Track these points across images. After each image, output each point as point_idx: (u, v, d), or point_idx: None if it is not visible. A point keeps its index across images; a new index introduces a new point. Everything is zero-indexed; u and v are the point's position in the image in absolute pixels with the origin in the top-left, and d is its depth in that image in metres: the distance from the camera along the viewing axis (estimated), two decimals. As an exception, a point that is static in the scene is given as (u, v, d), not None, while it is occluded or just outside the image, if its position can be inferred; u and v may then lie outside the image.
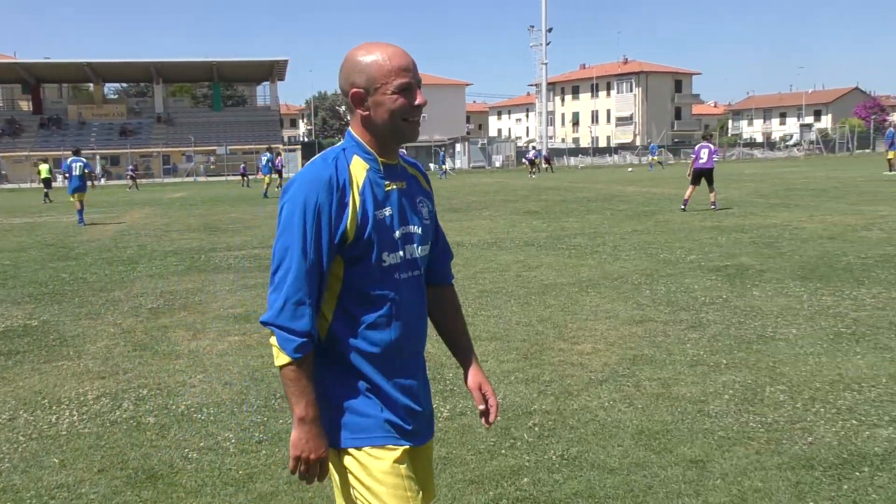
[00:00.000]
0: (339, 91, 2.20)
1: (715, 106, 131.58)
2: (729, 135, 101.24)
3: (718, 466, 3.88)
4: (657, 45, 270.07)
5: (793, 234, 12.71)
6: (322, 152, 2.14)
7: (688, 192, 17.97)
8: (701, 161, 17.74)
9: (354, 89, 2.08)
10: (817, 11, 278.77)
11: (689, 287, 8.50)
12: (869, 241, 11.47)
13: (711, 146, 18.04)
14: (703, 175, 17.78)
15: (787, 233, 12.85)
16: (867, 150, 72.37)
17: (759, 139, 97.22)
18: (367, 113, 2.10)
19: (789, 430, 4.33)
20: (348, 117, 2.20)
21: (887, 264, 9.44)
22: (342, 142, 2.18)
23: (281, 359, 1.99)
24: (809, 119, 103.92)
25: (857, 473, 3.76)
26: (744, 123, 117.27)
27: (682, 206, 17.67)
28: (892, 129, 35.66)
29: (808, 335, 6.28)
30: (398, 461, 2.05)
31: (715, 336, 6.37)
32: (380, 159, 2.11)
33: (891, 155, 31.91)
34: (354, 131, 2.15)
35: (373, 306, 2.08)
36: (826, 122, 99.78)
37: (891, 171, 31.19)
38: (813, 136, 76.18)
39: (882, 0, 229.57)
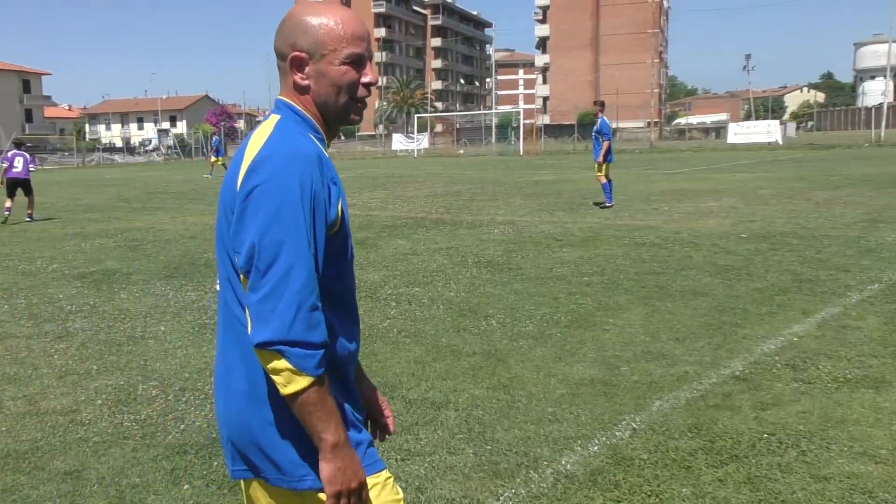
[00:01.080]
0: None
1: (70, 109, 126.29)
2: (87, 139, 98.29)
3: (95, 472, 3.83)
4: (2, 40, 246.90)
5: (157, 235, 13.03)
6: (277, 125, 1.75)
7: (7, 203, 16.26)
8: (15, 170, 16.21)
9: (296, 52, 1.77)
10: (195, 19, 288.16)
11: (53, 297, 8.09)
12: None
13: (27, 155, 16.76)
14: (18, 185, 16.27)
15: (151, 235, 13.12)
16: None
17: (119, 144, 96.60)
18: (307, 82, 1.79)
19: (163, 422, 4.50)
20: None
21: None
22: (277, 111, 1.81)
23: (298, 382, 1.58)
24: (166, 124, 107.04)
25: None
26: (101, 128, 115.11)
27: (3, 220, 15.94)
28: (216, 137, 39.21)
29: (175, 330, 6.56)
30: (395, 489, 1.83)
31: (84, 343, 6.21)
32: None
33: (214, 160, 34.70)
34: (294, 103, 1.81)
35: (343, 311, 1.79)
36: (182, 127, 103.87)
37: (211, 175, 33.23)
38: (171, 141, 78.92)
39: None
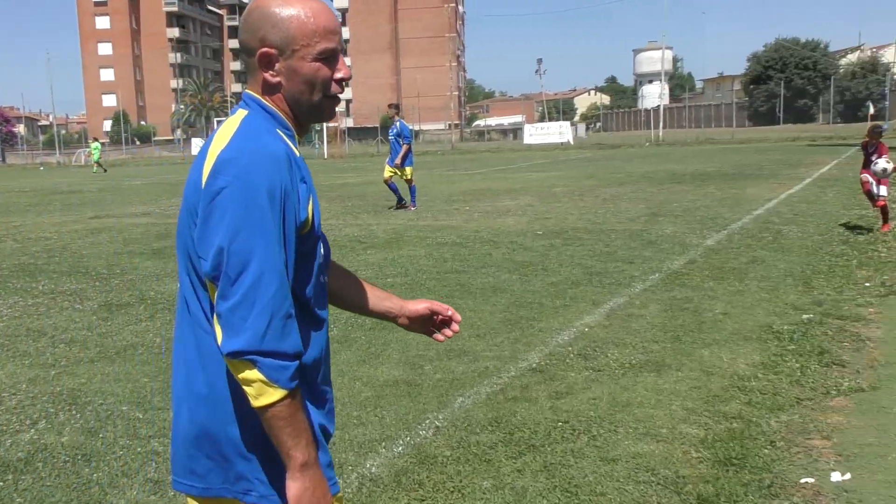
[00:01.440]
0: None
1: None
2: None
3: None
4: None
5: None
6: (243, 121, 1.64)
7: None
8: None
9: (265, 48, 1.64)
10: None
11: None
12: (2, 252, 11.39)
13: None
14: None
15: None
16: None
17: None
18: (277, 79, 1.67)
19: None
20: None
21: (22, 273, 9.54)
22: (245, 107, 1.69)
23: (270, 395, 1.49)
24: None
25: (2, 482, 3.74)
26: None
27: None
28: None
29: (-60, 358, 5.90)
30: None
31: None
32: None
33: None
34: (265, 99, 1.69)
35: (313, 319, 1.67)
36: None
37: None
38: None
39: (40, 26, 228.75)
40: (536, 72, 75.91)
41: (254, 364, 1.48)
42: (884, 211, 10.03)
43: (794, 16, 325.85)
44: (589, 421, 4.15)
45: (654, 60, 73.01)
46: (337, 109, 1.86)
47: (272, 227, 1.52)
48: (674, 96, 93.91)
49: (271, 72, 1.67)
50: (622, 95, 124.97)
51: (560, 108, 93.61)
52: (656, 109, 55.01)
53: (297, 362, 1.53)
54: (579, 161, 31.19)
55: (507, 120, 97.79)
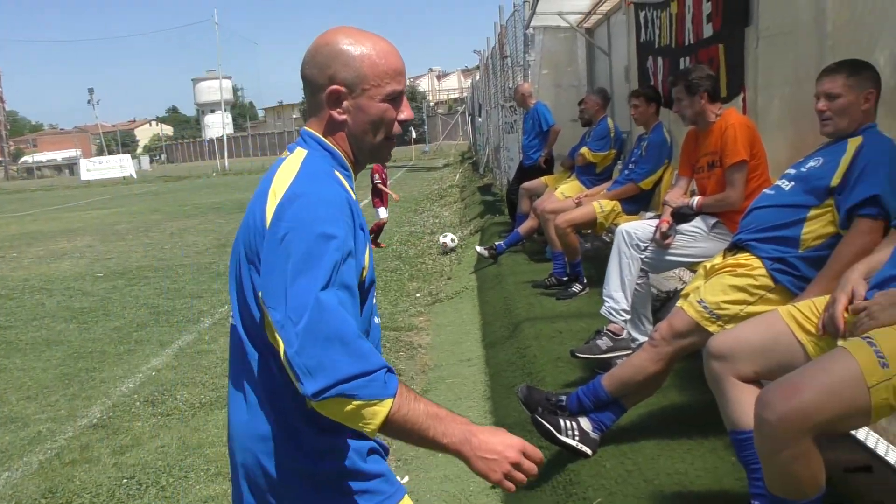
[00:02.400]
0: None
1: None
2: None
3: None
4: None
5: None
6: (305, 162, 1.61)
7: None
8: None
9: (335, 85, 1.61)
10: None
11: None
12: None
13: None
14: None
15: None
16: None
17: None
18: (343, 118, 1.64)
19: None
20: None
21: None
22: (304, 145, 1.66)
23: (379, 412, 1.41)
24: None
25: None
26: None
27: None
28: None
29: None
30: None
31: None
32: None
33: None
34: (326, 139, 1.66)
35: None
36: None
37: None
38: None
39: None
40: (89, 102, 70.93)
41: (344, 395, 1.39)
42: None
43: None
44: (157, 471, 3.93)
45: (214, 90, 72.91)
46: None
47: (332, 270, 1.45)
48: (237, 125, 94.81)
49: (338, 109, 1.65)
50: (185, 126, 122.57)
51: (119, 141, 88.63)
52: (220, 139, 54.93)
53: (383, 370, 1.44)
54: (144, 195, 29.80)
55: (60, 155, 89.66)
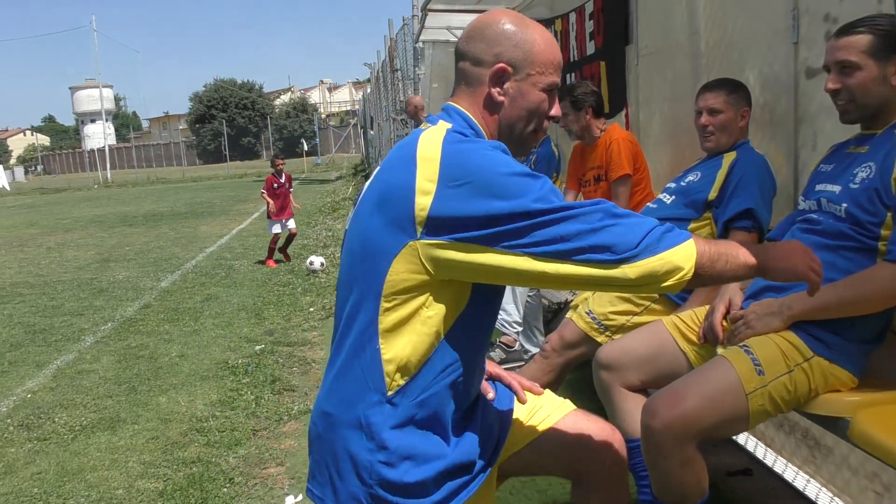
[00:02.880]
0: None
1: None
2: None
3: None
4: None
5: None
6: (449, 132, 1.58)
7: None
8: None
9: (502, 63, 1.60)
10: None
11: None
12: None
13: None
14: None
15: None
16: None
17: None
18: (501, 99, 1.62)
19: None
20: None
21: None
22: (448, 119, 1.65)
23: (689, 255, 1.49)
24: None
25: None
26: None
27: None
28: None
29: None
30: None
31: None
32: None
33: None
34: (474, 117, 1.64)
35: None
36: None
37: None
38: None
39: None
40: (-44, 109, 66.74)
41: (645, 254, 1.45)
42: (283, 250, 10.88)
43: (230, 58, 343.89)
44: (33, 499, 3.71)
45: (95, 99, 70.02)
46: None
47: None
48: (120, 136, 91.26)
49: (499, 89, 1.63)
50: (64, 136, 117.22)
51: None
52: (102, 150, 52.76)
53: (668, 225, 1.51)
54: (19, 208, 28.24)
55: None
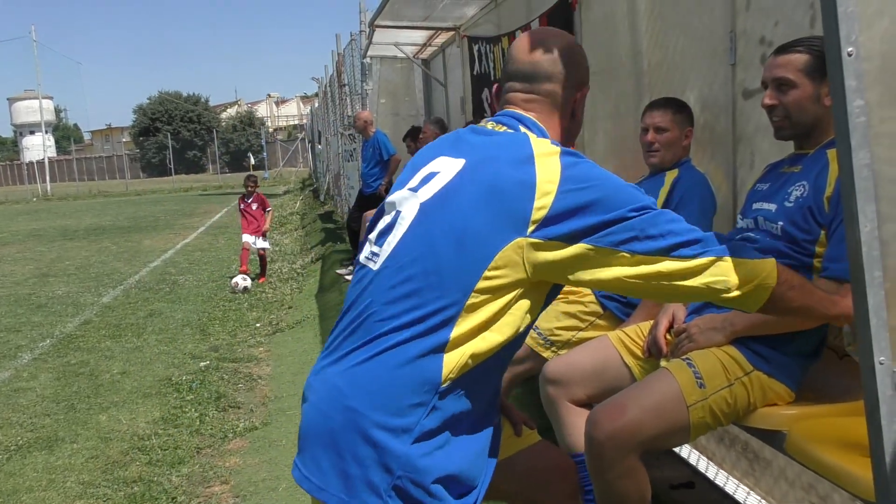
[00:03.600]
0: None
1: None
2: None
3: None
4: None
5: None
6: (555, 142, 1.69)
7: None
8: None
9: (587, 87, 1.80)
10: None
11: None
12: None
13: None
14: None
15: None
16: None
17: None
18: (567, 120, 1.79)
19: None
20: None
21: None
22: (531, 131, 1.72)
23: (771, 273, 1.60)
24: None
25: None
26: None
27: None
28: None
29: None
30: None
31: None
32: None
33: None
34: (551, 131, 1.75)
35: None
36: None
37: None
38: None
39: None
40: None
41: (712, 258, 1.54)
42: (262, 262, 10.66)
43: (176, 70, 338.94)
44: (-34, 525, 3.59)
45: (34, 110, 68.34)
46: None
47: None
48: (61, 148, 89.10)
49: (576, 110, 1.77)
50: (1, 147, 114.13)
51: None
52: (41, 162, 51.46)
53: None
54: (-48, 221, 27.36)
55: None
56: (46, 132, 57.33)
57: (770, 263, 1.60)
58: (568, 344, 3.04)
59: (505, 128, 1.74)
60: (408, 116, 10.61)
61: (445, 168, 1.69)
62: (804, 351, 2.27)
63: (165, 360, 6.34)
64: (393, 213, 1.72)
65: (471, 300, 1.55)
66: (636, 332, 2.70)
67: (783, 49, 2.30)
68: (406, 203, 1.70)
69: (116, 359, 6.44)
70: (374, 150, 9.04)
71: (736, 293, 1.55)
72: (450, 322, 1.56)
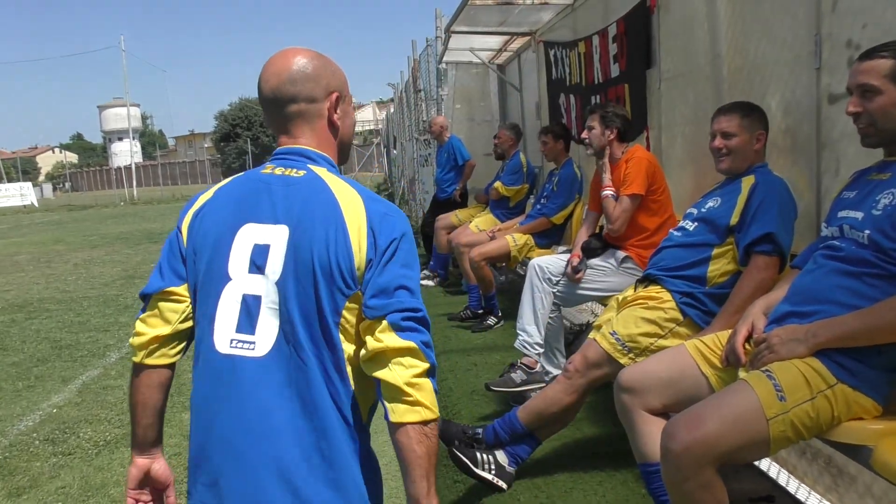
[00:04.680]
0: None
1: None
2: None
3: None
4: None
5: None
6: (345, 180, 1.70)
7: None
8: None
9: (334, 92, 1.75)
10: None
11: None
12: None
13: None
14: None
15: None
16: None
17: None
18: (339, 122, 1.78)
19: None
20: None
21: None
22: (322, 166, 1.73)
23: (433, 407, 1.52)
24: None
25: None
26: None
27: None
28: None
29: None
30: None
31: None
32: None
33: None
34: (325, 152, 1.76)
35: None
36: None
37: None
38: None
39: None
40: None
41: (428, 382, 1.52)
42: None
43: (256, 76, 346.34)
44: (67, 515, 3.76)
45: (122, 117, 71.02)
46: None
47: None
48: (146, 154, 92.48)
49: (337, 114, 1.75)
50: (91, 153, 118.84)
51: (20, 168, 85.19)
52: (129, 167, 53.47)
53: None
54: (47, 224, 28.66)
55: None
56: (133, 138, 59.45)
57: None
58: (646, 352, 3.01)
59: (294, 171, 1.71)
60: (483, 122, 10.63)
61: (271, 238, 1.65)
62: (893, 364, 2.20)
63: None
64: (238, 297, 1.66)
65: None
66: (714, 341, 2.65)
67: (867, 54, 2.23)
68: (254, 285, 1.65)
69: (198, 359, 6.63)
70: (448, 156, 9.09)
71: None
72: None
